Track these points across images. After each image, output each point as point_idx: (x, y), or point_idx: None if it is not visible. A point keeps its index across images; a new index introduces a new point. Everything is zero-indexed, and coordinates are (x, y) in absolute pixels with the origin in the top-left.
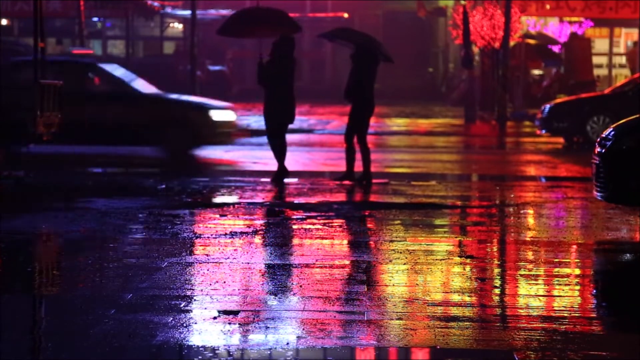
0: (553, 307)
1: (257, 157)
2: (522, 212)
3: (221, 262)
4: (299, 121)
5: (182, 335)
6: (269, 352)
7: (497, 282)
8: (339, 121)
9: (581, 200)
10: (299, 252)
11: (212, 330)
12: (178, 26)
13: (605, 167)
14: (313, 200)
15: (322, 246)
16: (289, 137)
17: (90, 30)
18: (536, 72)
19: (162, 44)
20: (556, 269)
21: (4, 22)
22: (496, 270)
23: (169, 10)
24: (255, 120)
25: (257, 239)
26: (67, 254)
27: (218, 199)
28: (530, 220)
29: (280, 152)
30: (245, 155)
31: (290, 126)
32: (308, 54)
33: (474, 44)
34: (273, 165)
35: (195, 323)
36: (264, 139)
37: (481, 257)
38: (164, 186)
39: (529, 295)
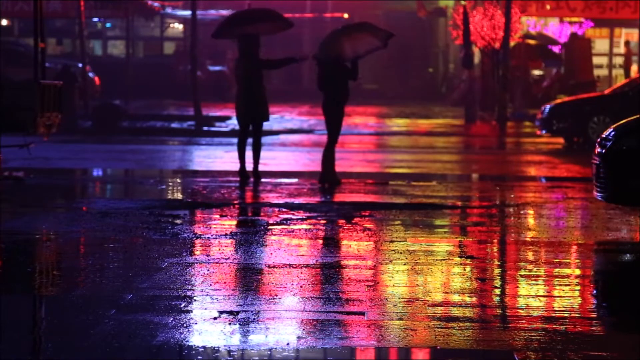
0: (553, 307)
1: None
2: (522, 212)
3: (221, 263)
4: (299, 121)
5: (182, 336)
6: (269, 353)
7: (498, 283)
8: None
9: (581, 200)
10: (299, 252)
11: (213, 330)
12: (178, 26)
13: (605, 168)
14: (313, 200)
15: (323, 246)
16: (289, 137)
17: (90, 30)
18: (536, 72)
19: (162, 45)
20: (556, 270)
21: (4, 22)
22: (496, 271)
23: (169, 10)
24: None
25: (257, 239)
26: (67, 254)
27: (218, 199)
28: (531, 221)
29: (255, 150)
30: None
31: (291, 126)
32: (308, 55)
33: (474, 44)
34: (273, 166)
35: (196, 323)
36: (264, 140)
37: (481, 258)
38: None
39: (529, 296)
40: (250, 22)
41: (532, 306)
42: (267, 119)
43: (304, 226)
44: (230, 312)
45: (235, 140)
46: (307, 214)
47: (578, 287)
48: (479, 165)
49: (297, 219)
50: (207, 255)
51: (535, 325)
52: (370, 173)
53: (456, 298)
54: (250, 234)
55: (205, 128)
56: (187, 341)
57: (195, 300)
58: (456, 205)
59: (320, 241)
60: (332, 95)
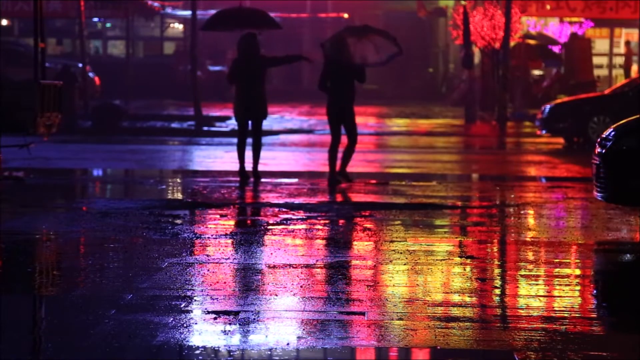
0: (553, 307)
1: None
2: (522, 212)
3: (221, 263)
4: (299, 121)
5: (182, 336)
6: (269, 353)
7: (498, 283)
8: None
9: (581, 200)
10: (299, 252)
11: (213, 330)
12: (178, 26)
13: (605, 168)
14: (313, 200)
15: (323, 246)
16: (289, 137)
17: (90, 30)
18: (536, 72)
19: (163, 45)
20: (556, 270)
21: (4, 22)
22: (496, 271)
23: (169, 10)
24: None
25: (257, 239)
26: (67, 254)
27: (218, 199)
28: (531, 221)
29: (255, 150)
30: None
31: (291, 126)
32: (308, 55)
33: (474, 44)
34: (273, 166)
35: (196, 323)
36: (264, 140)
37: (481, 258)
38: None
39: (529, 296)
40: (243, 22)
41: (532, 306)
42: (264, 117)
43: (304, 226)
44: (230, 312)
45: (235, 140)
46: (307, 214)
47: (578, 287)
48: (479, 165)
49: (297, 219)
50: (207, 255)
51: (535, 325)
52: (370, 173)
53: (456, 298)
54: (250, 234)
55: (205, 128)
56: (187, 341)
57: (195, 300)
58: (456, 205)
59: (320, 241)
60: (335, 96)
